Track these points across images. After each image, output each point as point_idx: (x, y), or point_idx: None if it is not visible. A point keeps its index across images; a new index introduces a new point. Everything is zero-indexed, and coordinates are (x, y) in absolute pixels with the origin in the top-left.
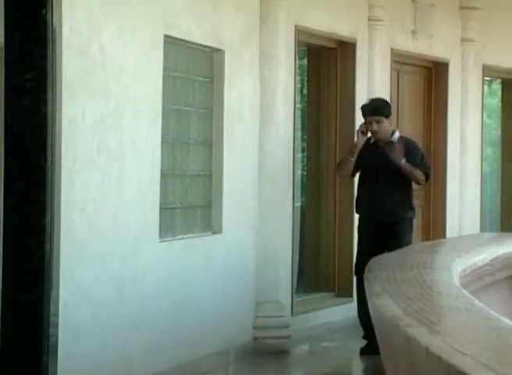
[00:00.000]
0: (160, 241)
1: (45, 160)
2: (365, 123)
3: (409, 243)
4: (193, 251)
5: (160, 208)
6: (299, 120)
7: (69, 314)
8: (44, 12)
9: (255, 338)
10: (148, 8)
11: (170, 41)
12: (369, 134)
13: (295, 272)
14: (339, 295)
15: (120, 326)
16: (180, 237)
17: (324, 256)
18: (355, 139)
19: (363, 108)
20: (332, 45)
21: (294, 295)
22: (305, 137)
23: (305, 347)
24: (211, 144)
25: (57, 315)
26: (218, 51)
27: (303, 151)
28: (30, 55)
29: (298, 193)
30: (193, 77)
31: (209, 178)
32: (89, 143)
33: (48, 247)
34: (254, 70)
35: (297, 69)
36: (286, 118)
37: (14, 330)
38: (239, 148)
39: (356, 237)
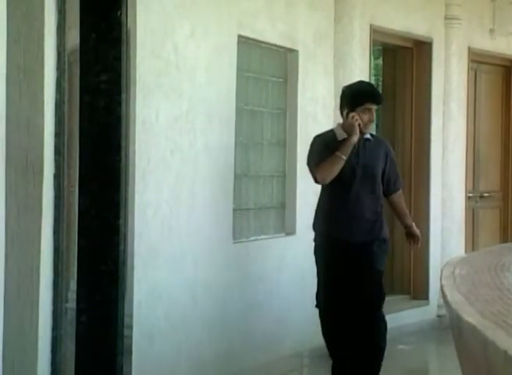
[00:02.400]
0: (233, 243)
1: (119, 161)
2: (352, 110)
3: (382, 271)
4: (266, 252)
5: (233, 210)
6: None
7: (142, 315)
8: (118, 13)
9: None
10: (222, 9)
11: (244, 41)
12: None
13: None
14: (414, 298)
15: (193, 328)
16: (254, 238)
17: (399, 258)
18: (353, 135)
19: (360, 91)
20: (408, 44)
21: None
22: None
23: None
24: (284, 144)
25: (131, 316)
26: (292, 51)
27: None
28: (105, 57)
29: None
30: (266, 77)
31: (283, 179)
32: (162, 144)
33: (122, 248)
34: (328, 70)
35: (372, 69)
36: None
37: (89, 331)
38: None
39: (431, 240)
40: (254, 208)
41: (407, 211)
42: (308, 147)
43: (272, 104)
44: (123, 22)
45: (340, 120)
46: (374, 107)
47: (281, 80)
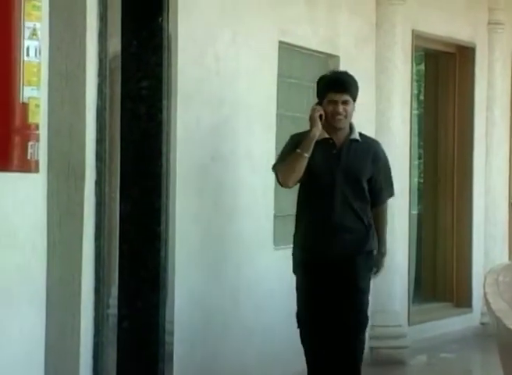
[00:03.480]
0: (275, 249)
1: (160, 167)
2: (320, 103)
3: (368, 289)
4: (284, 262)
5: (274, 216)
6: (415, 126)
7: (183, 322)
8: (160, 20)
9: (371, 348)
10: (263, 15)
11: (285, 48)
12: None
13: (412, 281)
14: (457, 305)
15: (234, 335)
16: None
17: (441, 265)
18: (312, 128)
19: (324, 80)
20: (451, 50)
21: (411, 305)
22: (421, 143)
23: (423, 358)
24: None
25: (172, 322)
26: (333, 57)
27: (419, 158)
28: (146, 64)
29: (415, 201)
30: (307, 84)
31: None
32: (203, 150)
33: (163, 254)
34: (370, 76)
35: (414, 75)
36: (402, 124)
37: (130, 337)
38: None
39: (474, 247)
40: (293, 215)
41: (383, 232)
42: None
43: None
44: (165, 28)
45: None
46: (339, 98)
47: None
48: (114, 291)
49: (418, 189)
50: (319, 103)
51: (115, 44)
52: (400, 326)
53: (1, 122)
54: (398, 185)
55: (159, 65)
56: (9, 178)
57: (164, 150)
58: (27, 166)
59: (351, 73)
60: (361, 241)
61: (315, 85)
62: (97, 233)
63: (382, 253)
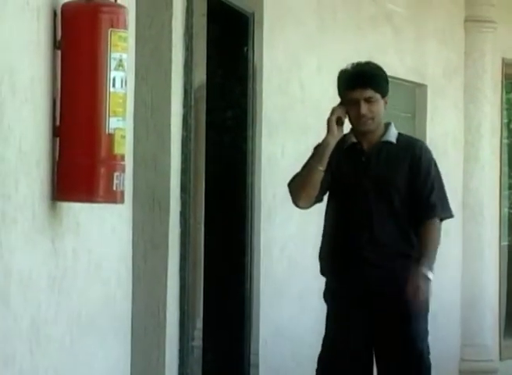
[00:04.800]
0: None
1: (245, 198)
2: (342, 103)
3: (425, 327)
4: None
5: None
6: (505, 156)
7: (268, 354)
8: (245, 50)
9: None
10: (349, 44)
11: None
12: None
13: (502, 314)
14: None
15: None
16: None
17: None
18: (327, 135)
19: (342, 75)
20: None
21: (502, 339)
22: None
23: None
24: None
25: (257, 355)
26: (421, 86)
27: (510, 188)
28: (231, 93)
29: (505, 231)
30: (394, 113)
31: None
32: (288, 180)
33: (247, 286)
34: (458, 105)
35: (504, 103)
36: (492, 154)
37: (215, 369)
38: None
39: None
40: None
41: (427, 250)
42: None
43: None
44: (250, 58)
45: None
46: (363, 94)
47: (409, 115)
48: (199, 322)
49: (509, 219)
50: (342, 103)
51: (200, 75)
52: (492, 360)
53: (88, 153)
54: (488, 216)
55: (244, 94)
56: (95, 209)
57: (249, 180)
58: (113, 196)
59: (440, 102)
60: (406, 266)
61: (402, 114)
62: (181, 264)
63: (424, 275)
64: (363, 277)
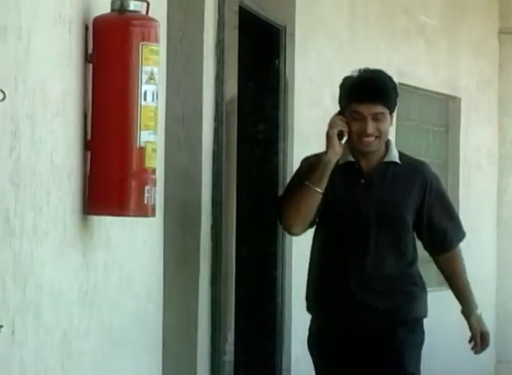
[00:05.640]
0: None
1: None
2: (341, 113)
3: (419, 352)
4: (429, 304)
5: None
6: None
7: (301, 370)
8: (276, 62)
9: None
10: (381, 57)
11: (404, 89)
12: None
13: None
14: None
15: None
16: None
17: None
18: (328, 151)
19: (347, 83)
20: None
21: None
22: None
23: None
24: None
25: (289, 370)
26: (454, 99)
27: None
28: (262, 106)
29: None
30: (427, 126)
31: None
32: None
33: (279, 300)
34: (492, 118)
35: None
36: None
37: None
38: (475, 198)
39: None
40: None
41: (466, 287)
42: (471, 196)
43: (433, 153)
44: (281, 71)
45: None
46: (367, 111)
47: (442, 128)
48: (230, 337)
49: None
50: (341, 113)
51: (231, 88)
52: None
53: (119, 166)
54: None
55: (276, 107)
56: (126, 222)
57: (280, 193)
58: (144, 210)
59: (473, 115)
60: (406, 304)
61: (435, 128)
62: (213, 278)
63: (470, 312)
64: (360, 312)
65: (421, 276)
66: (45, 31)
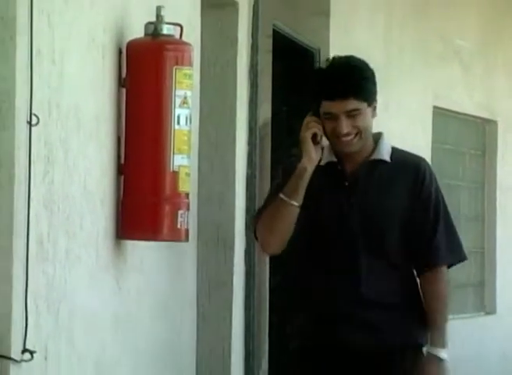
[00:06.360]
0: None
1: None
2: (315, 113)
3: None
4: (464, 332)
5: None
6: None
7: None
8: (310, 86)
9: None
10: (417, 80)
11: (439, 113)
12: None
13: None
14: None
15: None
16: (451, 317)
17: None
18: (303, 158)
19: (318, 77)
20: None
21: None
22: None
23: None
24: (483, 219)
25: None
26: (491, 122)
27: None
28: (296, 130)
29: None
30: (463, 150)
31: (481, 255)
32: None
33: None
34: None
35: None
36: None
37: None
38: None
39: None
40: (451, 286)
41: (435, 318)
42: (508, 221)
43: (469, 177)
44: None
45: None
46: (339, 109)
47: (479, 152)
48: (264, 363)
49: None
50: (315, 113)
51: (265, 112)
52: None
53: (152, 190)
54: None
55: None
56: (159, 247)
57: None
58: (177, 234)
59: (510, 138)
60: (405, 325)
61: (472, 151)
62: (246, 303)
63: (436, 358)
64: (349, 333)
65: (418, 294)
66: (79, 56)
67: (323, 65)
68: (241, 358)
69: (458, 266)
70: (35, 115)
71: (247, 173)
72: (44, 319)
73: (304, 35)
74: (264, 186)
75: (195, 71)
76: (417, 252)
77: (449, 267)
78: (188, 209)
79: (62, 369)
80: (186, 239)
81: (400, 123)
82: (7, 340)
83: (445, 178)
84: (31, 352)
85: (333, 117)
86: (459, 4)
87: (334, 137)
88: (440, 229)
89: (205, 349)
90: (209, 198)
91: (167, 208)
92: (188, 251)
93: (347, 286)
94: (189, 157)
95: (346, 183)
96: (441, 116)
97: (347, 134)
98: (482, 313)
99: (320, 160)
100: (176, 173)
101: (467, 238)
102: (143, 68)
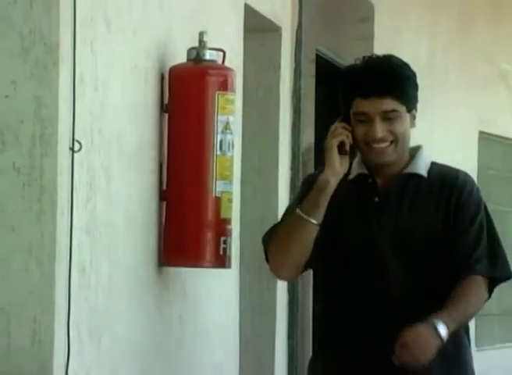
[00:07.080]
0: (476, 350)
1: None
2: (345, 117)
3: None
4: (490, 365)
5: (476, 316)
6: None
7: None
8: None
9: None
10: (462, 105)
11: (485, 138)
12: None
13: None
14: None
15: None
16: (499, 345)
17: None
18: (326, 169)
19: (350, 75)
20: None
21: None
22: None
23: None
24: None
25: None
26: None
27: None
28: None
29: None
30: (509, 175)
31: None
32: None
33: None
34: None
35: None
36: None
37: None
38: None
39: None
40: (497, 314)
41: (456, 302)
42: None
43: None
44: None
45: None
46: (374, 109)
47: None
48: None
49: None
50: (345, 119)
51: (308, 137)
52: None
53: (195, 217)
54: None
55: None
56: (202, 274)
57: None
58: (220, 261)
59: None
60: (448, 370)
61: None
62: (289, 331)
63: (433, 326)
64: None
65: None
66: (121, 82)
67: (355, 62)
68: None
69: (505, 294)
70: (78, 141)
71: (290, 199)
72: (87, 347)
73: (347, 60)
74: None
75: (238, 96)
76: (457, 261)
77: (493, 284)
78: (230, 236)
79: None
80: (229, 265)
81: (445, 147)
82: (49, 368)
83: (492, 204)
84: None
85: (366, 119)
86: (505, 26)
87: (366, 144)
88: (482, 244)
89: None
90: (252, 224)
91: (209, 234)
92: (230, 277)
93: (373, 313)
94: (231, 183)
95: (377, 199)
96: (487, 141)
97: (382, 140)
98: (510, 344)
99: (348, 174)
100: (218, 199)
101: None
102: (185, 93)
